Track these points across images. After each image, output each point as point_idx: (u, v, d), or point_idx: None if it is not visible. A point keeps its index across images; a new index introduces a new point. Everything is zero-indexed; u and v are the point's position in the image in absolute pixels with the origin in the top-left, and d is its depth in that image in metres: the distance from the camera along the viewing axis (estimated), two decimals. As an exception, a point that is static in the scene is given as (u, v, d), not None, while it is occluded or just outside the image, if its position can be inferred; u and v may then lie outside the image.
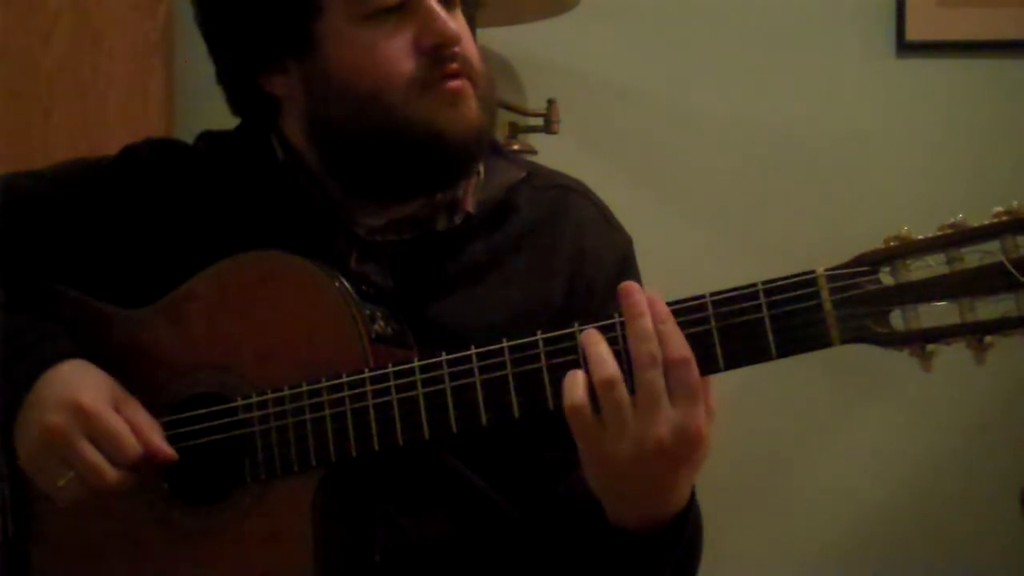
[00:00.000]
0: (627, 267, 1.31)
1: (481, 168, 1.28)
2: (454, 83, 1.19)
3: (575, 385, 1.01)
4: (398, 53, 1.17)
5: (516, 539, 1.22)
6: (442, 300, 1.23)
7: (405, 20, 1.18)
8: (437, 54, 1.18)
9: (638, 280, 1.31)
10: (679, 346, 0.99)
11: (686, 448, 1.00)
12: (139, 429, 1.16)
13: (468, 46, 1.21)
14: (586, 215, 1.31)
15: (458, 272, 1.24)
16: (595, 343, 1.02)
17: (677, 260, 2.01)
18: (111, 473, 1.14)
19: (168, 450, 1.16)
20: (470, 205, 1.26)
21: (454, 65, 1.19)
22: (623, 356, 1.01)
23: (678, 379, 0.99)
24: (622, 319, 1.02)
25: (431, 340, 1.15)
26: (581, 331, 1.04)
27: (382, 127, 1.18)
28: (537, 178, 1.32)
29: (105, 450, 1.15)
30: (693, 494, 1.09)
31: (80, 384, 1.17)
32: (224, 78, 1.28)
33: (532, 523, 1.22)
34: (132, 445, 1.15)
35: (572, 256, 1.27)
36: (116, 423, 1.15)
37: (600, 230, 1.31)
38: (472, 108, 1.20)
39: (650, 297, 1.01)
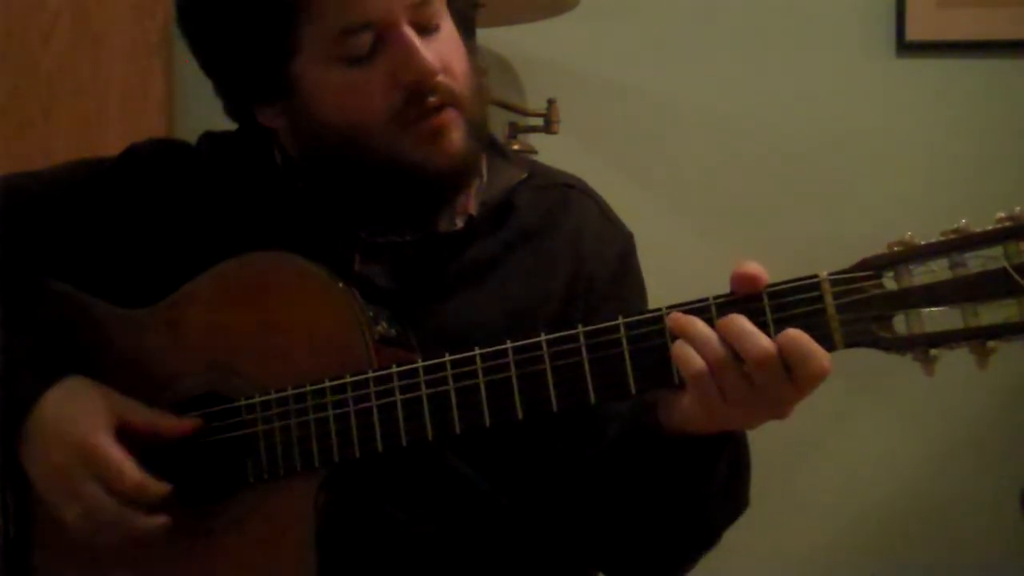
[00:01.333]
0: (628, 262, 1.31)
1: (484, 169, 1.28)
2: (436, 119, 1.17)
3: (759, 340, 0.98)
4: (375, 91, 1.16)
5: (526, 541, 1.22)
6: (445, 301, 1.23)
7: (382, 54, 1.15)
8: (415, 90, 1.16)
9: (639, 275, 1.32)
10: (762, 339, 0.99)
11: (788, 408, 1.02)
12: (154, 427, 1.17)
13: (453, 68, 1.19)
14: (586, 212, 1.31)
15: (460, 273, 1.24)
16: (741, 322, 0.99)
17: (677, 261, 2.01)
18: (113, 507, 1.15)
19: (183, 424, 1.17)
20: (472, 207, 1.26)
21: (433, 99, 1.16)
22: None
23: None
24: (717, 301, 1.01)
25: (434, 341, 1.15)
26: (584, 332, 1.05)
27: (364, 163, 1.18)
28: (538, 177, 1.32)
29: (107, 484, 1.14)
30: None
31: (75, 416, 1.17)
32: (219, 96, 1.28)
33: (558, 516, 1.22)
34: (131, 475, 1.14)
35: (572, 253, 1.27)
36: (115, 456, 1.15)
37: (600, 226, 1.31)
38: (456, 139, 1.18)
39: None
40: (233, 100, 1.26)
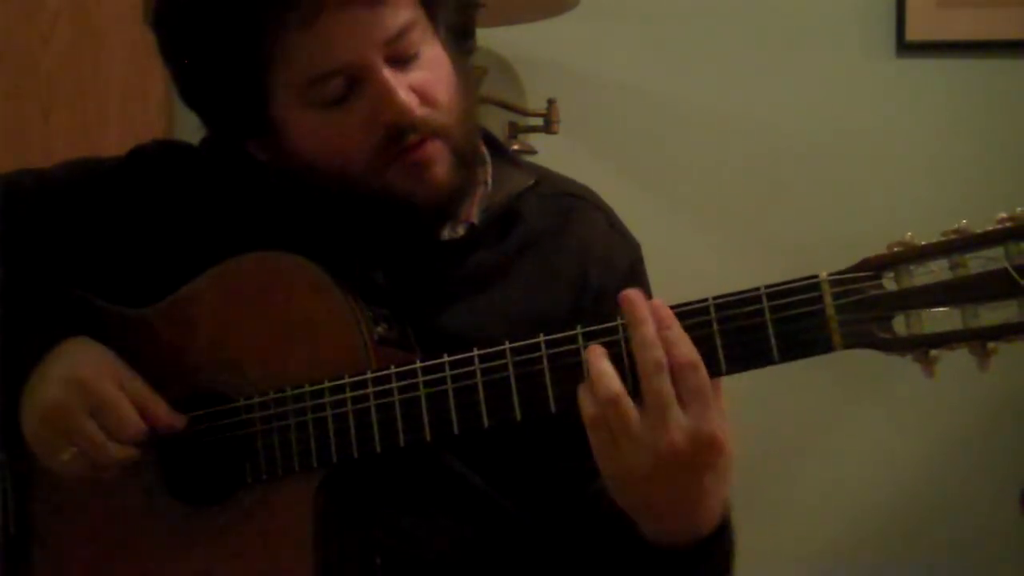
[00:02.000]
0: (637, 273, 1.31)
1: (488, 176, 1.28)
2: (417, 153, 1.15)
3: (587, 401, 1.00)
4: (355, 134, 1.14)
5: (524, 542, 1.22)
6: (445, 308, 1.22)
7: (358, 95, 1.14)
8: (394, 129, 1.14)
9: (647, 286, 1.31)
10: (686, 350, 0.98)
11: (704, 453, 0.99)
12: (142, 402, 1.16)
13: (436, 95, 1.16)
14: (593, 222, 1.30)
15: (462, 280, 1.24)
16: (596, 358, 1.01)
17: (678, 261, 2.01)
18: (111, 447, 1.15)
19: (173, 419, 1.17)
20: (474, 215, 1.26)
21: (413, 137, 1.14)
22: (625, 363, 1.01)
23: (687, 383, 0.98)
24: (717, 301, 1.00)
25: (433, 347, 1.14)
26: (583, 333, 1.04)
27: (351, 198, 1.18)
28: (545, 185, 1.31)
29: (106, 424, 1.15)
30: (727, 515, 1.08)
31: (82, 360, 1.18)
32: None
33: (558, 531, 1.21)
34: (133, 419, 1.15)
35: (578, 263, 1.26)
36: (117, 397, 1.15)
37: (608, 237, 1.30)
38: (440, 172, 1.17)
39: (654, 303, 1.01)
40: (219, 136, 1.27)
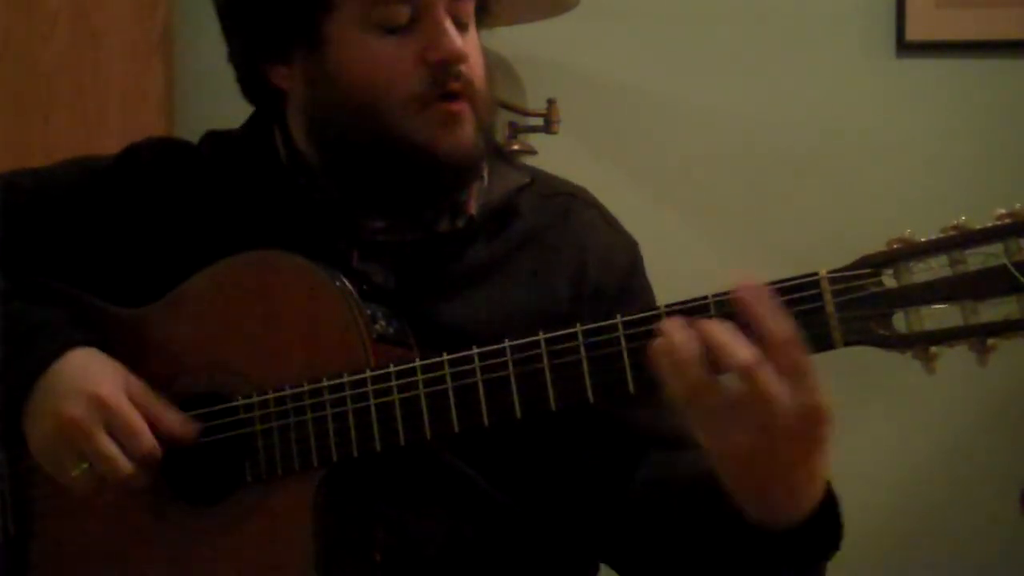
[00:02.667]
0: (636, 270, 1.31)
1: (485, 172, 1.28)
2: (453, 105, 1.19)
3: (691, 375, 0.95)
4: (402, 65, 1.17)
5: (524, 539, 1.22)
6: (443, 302, 1.23)
7: (414, 32, 1.18)
8: (441, 70, 1.17)
9: (647, 284, 1.32)
10: (787, 324, 0.94)
11: (813, 427, 0.97)
12: (156, 418, 1.16)
13: (475, 68, 1.21)
14: (590, 220, 1.31)
15: (460, 274, 1.24)
16: (721, 330, 0.95)
17: (678, 261, 2.01)
18: (126, 466, 1.14)
19: (186, 428, 1.17)
20: (473, 208, 1.26)
21: (456, 84, 1.18)
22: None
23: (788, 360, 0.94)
24: (716, 299, 0.98)
25: (432, 342, 1.15)
26: (584, 331, 1.04)
27: (377, 138, 1.19)
28: (541, 184, 1.32)
29: (122, 443, 1.14)
30: (830, 488, 1.06)
31: (96, 374, 1.17)
32: (233, 59, 1.28)
33: (643, 513, 1.18)
34: (149, 439, 1.14)
35: (576, 259, 1.27)
36: (134, 416, 1.15)
37: (605, 234, 1.31)
38: (467, 132, 1.20)
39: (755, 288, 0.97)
40: (253, 55, 1.25)
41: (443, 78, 1.18)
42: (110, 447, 1.14)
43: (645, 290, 1.32)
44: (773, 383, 0.93)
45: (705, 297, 1.01)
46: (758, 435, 0.94)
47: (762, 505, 1.01)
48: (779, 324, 0.94)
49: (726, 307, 0.99)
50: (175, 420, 1.17)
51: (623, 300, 1.27)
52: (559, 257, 1.27)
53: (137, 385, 1.18)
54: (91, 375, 1.17)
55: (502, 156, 1.34)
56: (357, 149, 1.20)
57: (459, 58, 1.18)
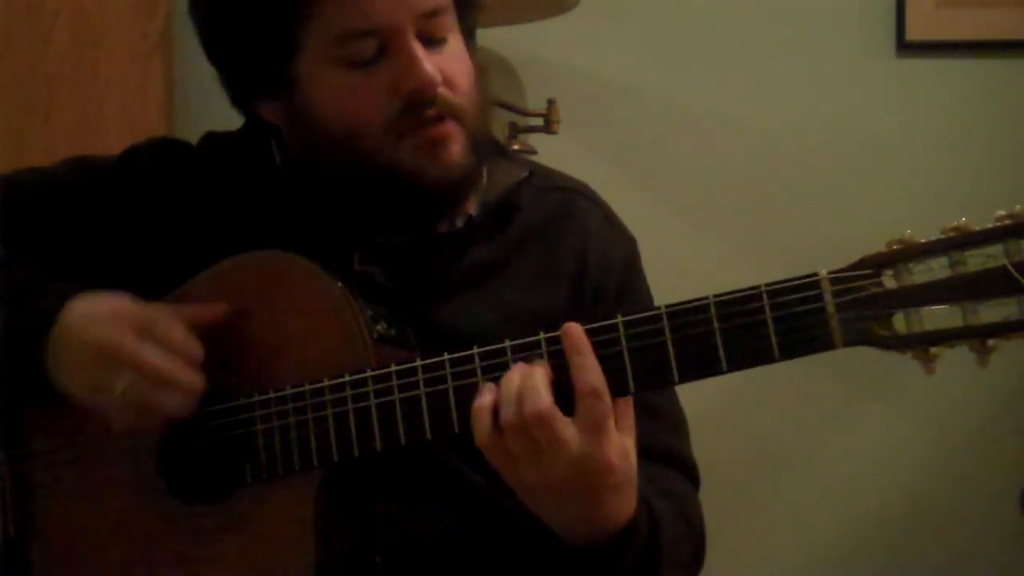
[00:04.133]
0: (633, 268, 1.31)
1: (484, 172, 1.28)
2: (434, 130, 1.17)
3: (483, 419, 1.03)
4: (375, 99, 1.16)
5: (524, 539, 1.22)
6: (444, 302, 1.23)
7: (385, 62, 1.16)
8: (415, 100, 1.15)
9: (644, 281, 1.32)
10: (593, 376, 1.01)
11: (600, 476, 1.03)
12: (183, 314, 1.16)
13: (457, 81, 1.19)
14: (590, 217, 1.31)
15: (461, 274, 1.24)
16: (528, 374, 1.03)
17: (678, 261, 2.01)
18: (171, 368, 1.12)
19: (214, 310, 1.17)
20: (472, 208, 1.26)
21: (431, 111, 1.16)
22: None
23: (588, 410, 1.01)
24: (717, 300, 1.01)
25: (433, 342, 1.14)
26: (583, 331, 1.04)
27: (360, 168, 1.18)
28: (539, 179, 1.32)
29: (163, 340, 1.13)
30: (640, 507, 1.10)
31: (111, 299, 1.16)
32: (224, 89, 1.28)
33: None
34: (191, 341, 1.13)
35: (576, 259, 1.27)
36: (164, 316, 1.14)
37: (605, 232, 1.31)
38: (455, 152, 1.18)
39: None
40: (236, 92, 1.26)
41: (418, 107, 1.16)
42: (153, 352, 1.12)
43: (642, 288, 1.32)
44: (567, 430, 1.00)
45: (705, 297, 1.01)
46: (544, 474, 1.02)
47: (565, 530, 1.09)
48: (588, 376, 1.01)
49: (726, 307, 1.00)
50: (201, 309, 1.17)
51: (622, 297, 1.27)
52: (559, 256, 1.27)
53: (151, 315, 1.16)
54: (108, 299, 1.16)
55: (499, 151, 1.33)
56: (341, 180, 1.20)
57: (431, 86, 1.15)
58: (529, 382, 1.01)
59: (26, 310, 1.19)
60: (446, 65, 1.18)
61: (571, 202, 1.31)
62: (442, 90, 1.16)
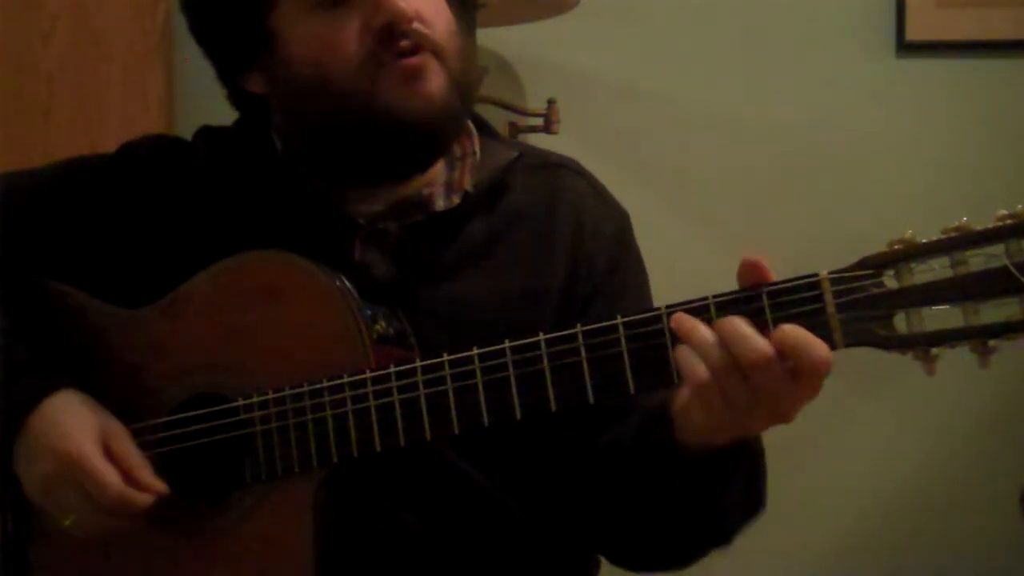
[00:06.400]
0: (626, 240, 1.31)
1: (477, 148, 1.28)
2: (408, 60, 1.16)
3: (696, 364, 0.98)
4: (347, 37, 1.16)
5: (524, 538, 1.22)
6: (445, 284, 1.22)
7: (357, 3, 1.16)
8: (388, 33, 1.16)
9: (637, 253, 1.32)
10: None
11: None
12: (127, 465, 1.16)
13: (434, 21, 1.19)
14: (581, 191, 1.31)
15: (459, 254, 1.24)
16: (739, 324, 0.98)
17: (678, 261, 2.01)
18: (99, 518, 1.15)
19: (156, 485, 1.16)
20: (468, 183, 1.26)
21: (405, 42, 1.16)
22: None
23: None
24: (717, 300, 1.00)
25: (434, 325, 1.14)
26: (584, 332, 1.04)
27: (339, 113, 1.18)
28: (530, 156, 1.32)
29: (90, 496, 1.14)
30: None
31: (69, 425, 1.17)
32: (218, 78, 1.29)
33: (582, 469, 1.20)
34: (113, 489, 1.14)
35: (571, 233, 1.27)
36: (98, 471, 1.14)
37: (596, 205, 1.31)
38: (434, 83, 1.18)
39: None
40: (224, 71, 1.27)
41: (391, 41, 1.16)
42: (81, 504, 1.15)
43: (635, 260, 1.32)
44: (786, 378, 0.96)
45: (705, 297, 1.01)
46: (749, 415, 0.99)
47: (718, 435, 1.05)
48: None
49: (726, 308, 0.99)
50: (146, 473, 1.16)
51: (614, 268, 1.27)
52: (554, 231, 1.26)
53: (113, 430, 1.18)
54: (64, 427, 1.16)
55: (489, 132, 1.33)
56: (329, 131, 1.20)
57: (403, 18, 1.16)
58: (738, 330, 0.97)
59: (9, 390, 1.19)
60: (421, 6, 1.18)
61: (561, 177, 1.31)
62: (416, 25, 1.17)
